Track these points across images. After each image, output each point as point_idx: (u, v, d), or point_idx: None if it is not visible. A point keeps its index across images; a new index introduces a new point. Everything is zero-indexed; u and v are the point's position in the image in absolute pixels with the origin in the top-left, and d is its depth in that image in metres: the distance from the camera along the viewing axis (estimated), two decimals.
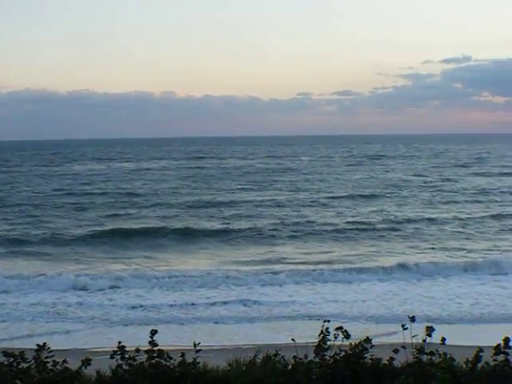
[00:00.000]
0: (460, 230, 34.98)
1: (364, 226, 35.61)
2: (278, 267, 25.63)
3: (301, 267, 25.68)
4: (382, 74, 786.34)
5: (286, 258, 27.88)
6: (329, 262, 26.76)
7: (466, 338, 15.95)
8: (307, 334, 8.44)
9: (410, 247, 30.31)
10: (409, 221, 37.42)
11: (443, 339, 6.50)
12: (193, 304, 20.33)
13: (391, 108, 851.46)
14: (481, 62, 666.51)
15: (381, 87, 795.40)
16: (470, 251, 29.13)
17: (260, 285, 22.94)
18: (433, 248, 29.92)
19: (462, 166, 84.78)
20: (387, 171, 76.99)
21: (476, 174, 70.54)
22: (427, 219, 37.98)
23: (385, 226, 35.94)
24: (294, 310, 19.85)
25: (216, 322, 18.54)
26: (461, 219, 38.31)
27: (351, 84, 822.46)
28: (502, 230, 34.88)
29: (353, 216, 39.68)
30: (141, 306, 20.14)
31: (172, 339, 15.96)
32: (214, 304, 20.37)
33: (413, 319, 6.58)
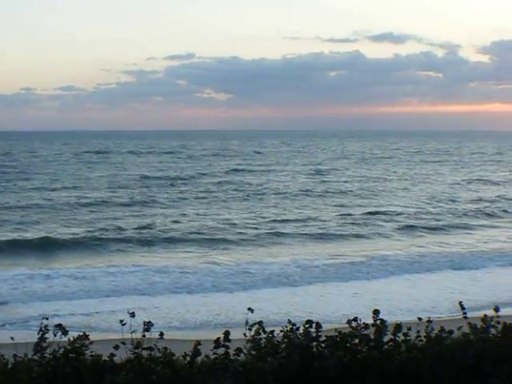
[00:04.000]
0: None
1: None
2: None
3: None
4: (107, 71, 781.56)
5: None
6: None
7: (186, 332, 16.50)
8: None
9: None
10: None
11: (161, 334, 6.66)
12: None
13: (115, 104, 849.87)
14: (205, 59, 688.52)
15: (105, 83, 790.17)
16: None
17: None
18: None
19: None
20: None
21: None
22: None
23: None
24: None
25: None
26: None
27: (75, 80, 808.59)
28: None
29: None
30: None
31: None
32: None
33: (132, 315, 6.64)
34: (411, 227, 35.54)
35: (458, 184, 62.34)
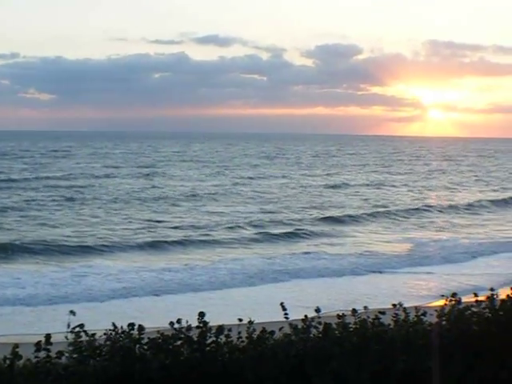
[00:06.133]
0: None
1: None
2: None
3: None
4: None
5: None
6: None
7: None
8: None
9: None
10: None
11: None
12: None
13: None
14: (29, 58, 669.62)
15: None
16: None
17: None
18: None
19: None
20: None
21: None
22: None
23: None
24: None
25: None
26: None
27: None
28: None
29: None
30: None
31: None
32: None
33: None
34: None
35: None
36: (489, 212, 47.36)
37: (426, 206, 48.74)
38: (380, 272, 26.09)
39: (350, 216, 42.27)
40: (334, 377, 7.20)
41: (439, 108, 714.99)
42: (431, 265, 27.50)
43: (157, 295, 21.88)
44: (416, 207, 47.99)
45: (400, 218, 42.52)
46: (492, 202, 52.04)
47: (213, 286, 23.28)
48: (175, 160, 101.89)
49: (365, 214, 43.55)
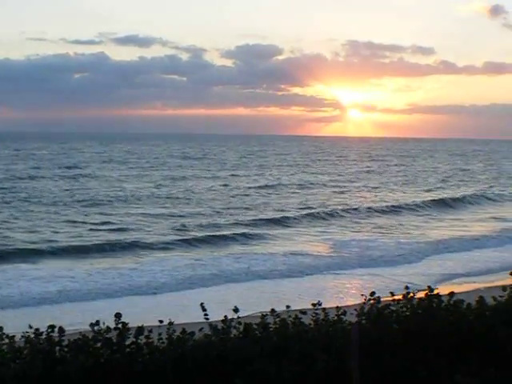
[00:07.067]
0: None
1: None
2: None
3: None
4: None
5: None
6: None
7: None
8: None
9: None
10: None
11: None
12: None
13: None
14: None
15: None
16: None
17: None
18: None
19: None
20: None
21: None
22: None
23: None
24: None
25: None
26: None
27: None
28: None
29: None
30: None
31: None
32: None
33: None
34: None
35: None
36: (423, 212, 47.96)
37: (355, 206, 49.19)
38: (308, 274, 26.35)
39: (281, 218, 42.38)
40: (255, 377, 7.31)
41: (359, 108, 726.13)
42: (357, 267, 27.83)
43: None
44: (350, 208, 48.41)
45: (328, 219, 42.89)
46: (425, 202, 52.76)
47: (132, 292, 23.12)
48: (99, 161, 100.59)
49: (297, 215, 43.78)
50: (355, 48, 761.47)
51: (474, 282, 24.63)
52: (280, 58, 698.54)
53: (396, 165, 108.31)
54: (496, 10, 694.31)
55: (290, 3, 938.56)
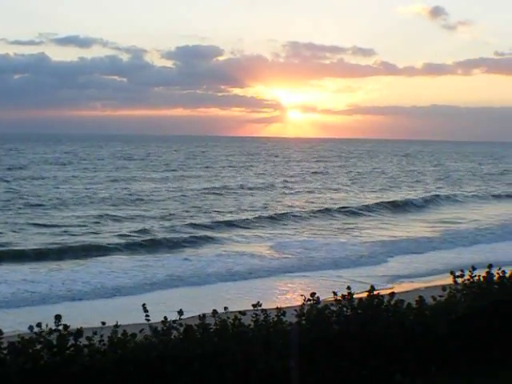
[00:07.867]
0: None
1: None
2: None
3: None
4: None
5: None
6: None
7: None
8: None
9: None
10: None
11: None
12: None
13: None
14: None
15: None
16: None
17: None
18: None
19: None
20: None
21: None
22: None
23: None
24: None
25: None
26: None
27: None
28: None
29: None
30: None
31: None
32: None
33: None
34: None
35: None
36: (373, 214, 48.29)
37: (303, 208, 49.43)
38: (255, 276, 26.45)
39: (230, 220, 42.28)
40: (196, 377, 7.42)
41: (299, 109, 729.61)
42: (303, 269, 28.01)
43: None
44: (299, 209, 48.61)
45: (277, 221, 42.99)
46: (376, 203, 53.07)
47: (77, 297, 22.92)
48: (41, 162, 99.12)
49: (247, 216, 43.77)
50: (296, 49, 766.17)
51: (414, 282, 25.06)
52: (220, 58, 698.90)
53: (340, 166, 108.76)
54: (436, 12, 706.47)
55: (232, 4, 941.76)
